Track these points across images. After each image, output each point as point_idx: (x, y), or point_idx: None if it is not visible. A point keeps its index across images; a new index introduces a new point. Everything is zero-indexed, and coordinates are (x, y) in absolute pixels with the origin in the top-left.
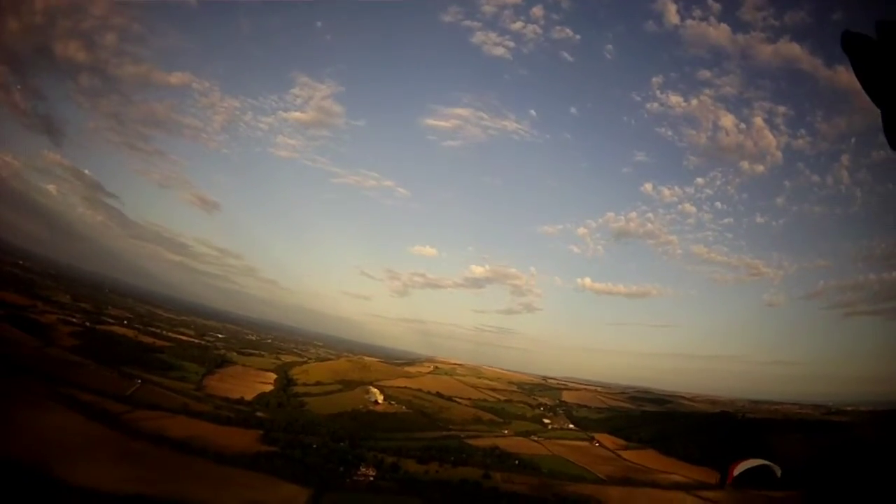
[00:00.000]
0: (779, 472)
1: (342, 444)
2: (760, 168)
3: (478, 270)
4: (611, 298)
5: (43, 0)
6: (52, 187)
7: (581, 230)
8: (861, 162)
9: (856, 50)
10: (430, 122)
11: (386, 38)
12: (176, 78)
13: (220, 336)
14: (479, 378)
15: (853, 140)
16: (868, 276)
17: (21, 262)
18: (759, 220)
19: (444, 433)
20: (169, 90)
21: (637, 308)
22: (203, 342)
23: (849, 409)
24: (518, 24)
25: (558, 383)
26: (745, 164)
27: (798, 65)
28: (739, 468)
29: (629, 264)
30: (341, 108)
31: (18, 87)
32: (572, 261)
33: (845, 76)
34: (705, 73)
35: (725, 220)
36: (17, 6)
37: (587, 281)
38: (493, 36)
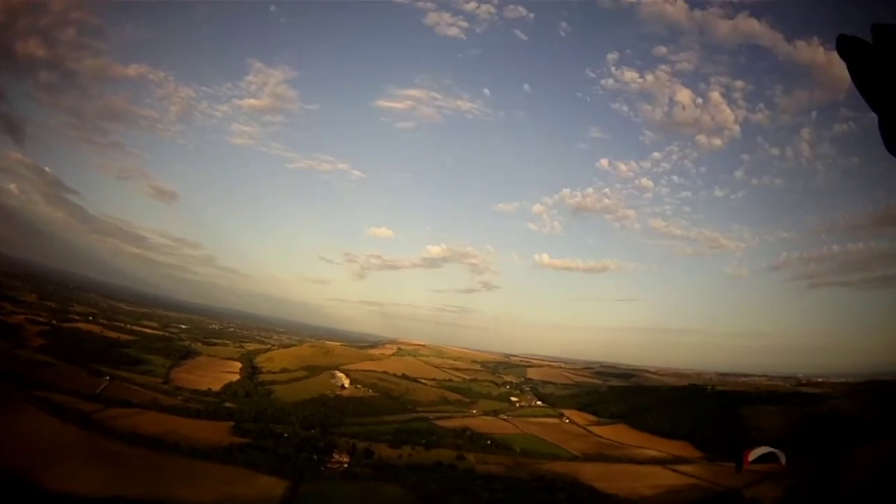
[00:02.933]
0: (783, 459)
1: (313, 431)
2: (718, 142)
3: (435, 250)
4: (570, 274)
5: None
6: (13, 186)
7: (537, 207)
8: (823, 135)
9: (851, 54)
10: (384, 103)
11: (339, 21)
12: (133, 70)
13: (183, 327)
14: (443, 358)
15: (814, 114)
16: (832, 247)
17: None
18: (717, 193)
19: (413, 415)
20: (126, 82)
21: (597, 283)
22: (167, 334)
23: (820, 380)
24: (472, 5)
25: (522, 360)
26: (702, 139)
27: (757, 40)
28: (752, 455)
29: (587, 240)
30: (295, 92)
31: None
32: (529, 238)
33: (806, 51)
34: (661, 50)
35: (683, 194)
36: None
37: (545, 257)
38: (446, 16)
